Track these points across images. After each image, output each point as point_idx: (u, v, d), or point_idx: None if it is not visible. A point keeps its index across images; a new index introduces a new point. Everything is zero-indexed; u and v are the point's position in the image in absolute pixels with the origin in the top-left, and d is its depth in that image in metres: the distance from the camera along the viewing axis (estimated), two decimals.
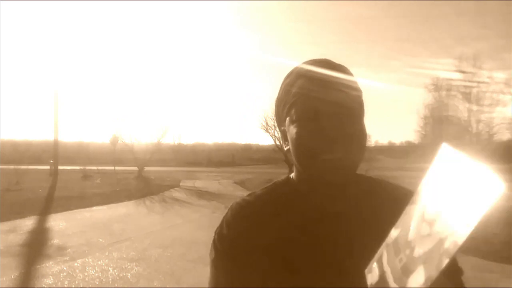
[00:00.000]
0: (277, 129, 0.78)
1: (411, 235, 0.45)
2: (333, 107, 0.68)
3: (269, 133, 21.68)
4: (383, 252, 0.49)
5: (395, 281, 0.44)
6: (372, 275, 0.49)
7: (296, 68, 0.77)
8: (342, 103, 0.69)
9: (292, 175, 0.82)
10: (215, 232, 0.79)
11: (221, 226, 0.78)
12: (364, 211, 0.74)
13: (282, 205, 0.76)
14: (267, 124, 21.62)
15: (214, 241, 0.78)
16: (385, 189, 0.80)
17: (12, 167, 17.47)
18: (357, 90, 0.73)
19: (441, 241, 0.41)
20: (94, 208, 10.68)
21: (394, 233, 0.49)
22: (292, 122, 0.73)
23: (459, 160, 0.44)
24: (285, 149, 0.79)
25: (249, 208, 0.78)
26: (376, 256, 0.50)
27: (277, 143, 21.28)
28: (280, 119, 0.80)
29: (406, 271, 0.43)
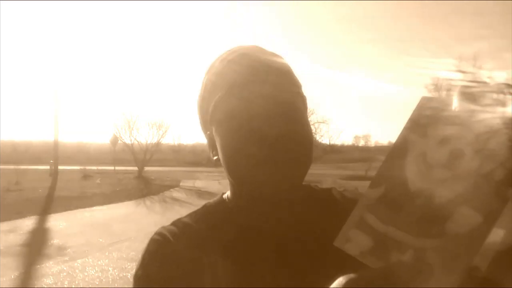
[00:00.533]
0: (214, 134, 0.63)
1: (414, 185, 0.39)
2: (268, 105, 0.56)
3: None
4: (364, 214, 0.41)
5: (411, 234, 0.38)
6: (355, 242, 0.40)
7: (220, 57, 0.63)
8: (278, 99, 0.57)
9: (227, 194, 0.67)
10: (134, 274, 0.63)
11: (137, 269, 0.63)
12: (315, 228, 0.61)
13: (213, 236, 0.61)
14: None
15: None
16: (335, 200, 0.68)
17: (12, 167, 17.47)
18: (296, 83, 0.62)
19: (487, 175, 0.36)
20: (94, 208, 10.68)
21: (372, 192, 0.42)
22: (218, 125, 0.60)
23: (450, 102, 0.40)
24: (214, 159, 0.65)
25: (170, 244, 0.62)
26: (351, 223, 0.41)
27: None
28: (204, 121, 0.65)
29: (432, 220, 0.37)
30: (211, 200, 0.69)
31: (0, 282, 4.81)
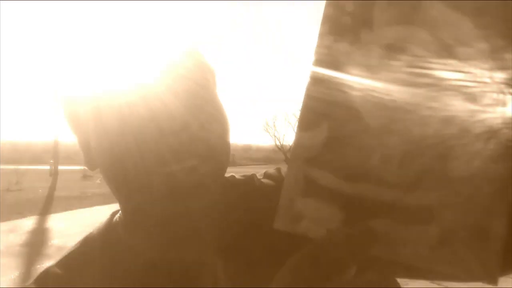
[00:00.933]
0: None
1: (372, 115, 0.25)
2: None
3: (269, 133, 21.72)
4: (309, 171, 0.27)
5: (387, 186, 0.25)
6: (311, 217, 0.27)
7: None
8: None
9: (116, 217, 0.54)
10: None
11: None
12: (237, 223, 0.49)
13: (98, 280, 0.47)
14: (267, 124, 21.65)
15: None
16: (258, 189, 0.54)
17: (12, 167, 17.46)
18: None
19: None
20: (94, 208, 10.68)
21: (309, 138, 0.27)
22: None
23: None
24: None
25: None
26: (291, 191, 0.28)
27: (277, 143, 21.30)
28: None
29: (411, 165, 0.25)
30: (94, 230, 0.60)
31: (0, 282, 4.81)
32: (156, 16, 0.54)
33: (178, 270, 0.46)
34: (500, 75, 0.29)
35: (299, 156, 0.27)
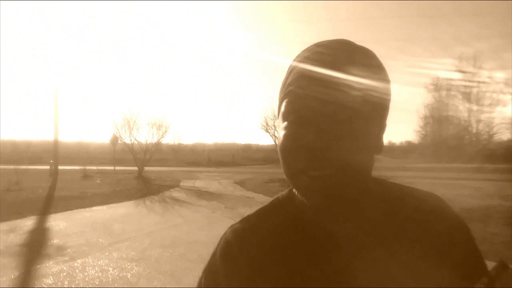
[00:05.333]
0: (277, 129, 0.63)
1: None
2: (326, 109, 0.53)
3: (269, 133, 21.72)
4: None
5: None
6: None
7: (301, 52, 0.62)
8: (340, 104, 0.53)
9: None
10: (204, 271, 0.66)
11: (207, 266, 0.66)
12: (386, 231, 0.59)
13: (280, 236, 0.62)
14: (267, 124, 21.68)
15: (199, 282, 0.66)
16: (411, 200, 0.64)
17: (12, 167, 17.46)
18: (378, 85, 0.57)
19: None
20: (94, 208, 10.67)
21: None
22: (281, 120, 0.60)
23: None
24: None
25: (245, 239, 0.64)
26: None
27: (277, 143, 21.26)
28: (278, 113, 0.65)
29: None
30: (279, 195, 0.70)
31: (0, 282, 4.81)
32: None
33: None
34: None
35: None
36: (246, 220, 0.68)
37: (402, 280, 0.56)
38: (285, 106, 0.58)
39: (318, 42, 0.61)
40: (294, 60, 0.62)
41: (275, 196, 0.70)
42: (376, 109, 0.57)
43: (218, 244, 0.67)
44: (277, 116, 0.65)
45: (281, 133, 0.59)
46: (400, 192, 0.65)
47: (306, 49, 0.61)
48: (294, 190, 0.66)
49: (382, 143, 0.60)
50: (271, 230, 0.63)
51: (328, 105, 0.53)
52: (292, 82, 0.58)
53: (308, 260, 0.59)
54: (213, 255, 0.66)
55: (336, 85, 0.53)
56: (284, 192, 0.69)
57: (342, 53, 0.56)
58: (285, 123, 0.58)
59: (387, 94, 0.59)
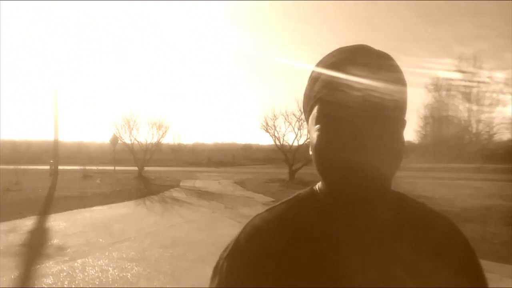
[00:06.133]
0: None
1: None
2: (359, 112, 0.58)
3: (269, 133, 21.65)
4: None
5: None
6: None
7: (326, 56, 0.66)
8: (376, 104, 0.58)
9: (318, 185, 0.71)
10: (221, 257, 0.68)
11: (231, 251, 0.67)
12: (405, 234, 0.65)
13: (305, 227, 0.65)
14: (267, 124, 21.59)
15: (218, 267, 0.67)
16: (425, 213, 0.72)
17: (12, 167, 17.46)
18: (400, 87, 0.62)
19: None
20: (94, 208, 10.68)
21: None
22: (313, 123, 0.64)
23: None
24: (311, 153, 0.66)
25: (266, 231, 0.66)
26: None
27: (277, 143, 21.26)
28: (306, 116, 0.70)
29: None
30: (302, 191, 0.73)
31: (0, 282, 4.81)
32: None
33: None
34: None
35: None
36: (270, 210, 0.71)
37: (403, 281, 0.60)
38: (318, 110, 0.62)
39: (340, 48, 0.65)
40: (317, 65, 0.66)
41: (295, 194, 0.73)
42: (401, 110, 0.63)
43: (242, 231, 0.69)
44: (305, 119, 0.70)
45: (314, 134, 0.63)
46: (415, 204, 0.73)
47: (331, 54, 0.65)
48: (316, 187, 0.71)
49: (404, 138, 0.64)
50: (290, 223, 0.66)
51: (360, 108, 0.58)
52: (321, 89, 0.62)
53: (325, 256, 0.62)
54: (237, 241, 0.68)
55: (368, 89, 0.58)
56: (304, 190, 0.73)
57: (369, 59, 0.61)
58: (318, 125, 0.62)
59: (406, 95, 0.65)
